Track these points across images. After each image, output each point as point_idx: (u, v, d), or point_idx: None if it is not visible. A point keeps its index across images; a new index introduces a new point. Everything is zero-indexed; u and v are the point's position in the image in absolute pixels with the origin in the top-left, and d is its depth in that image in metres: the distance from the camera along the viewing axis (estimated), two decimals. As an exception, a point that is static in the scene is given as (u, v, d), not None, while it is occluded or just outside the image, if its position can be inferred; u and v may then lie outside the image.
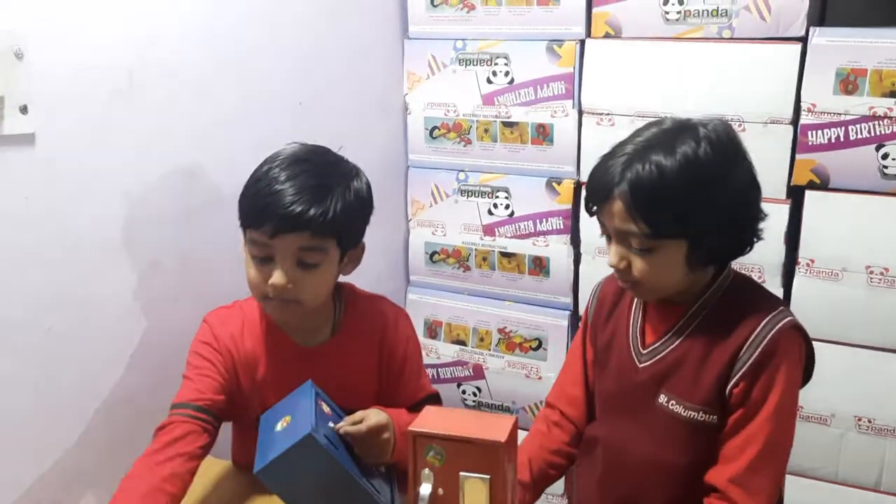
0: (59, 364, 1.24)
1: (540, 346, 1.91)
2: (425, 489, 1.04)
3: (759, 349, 1.08)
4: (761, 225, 1.12)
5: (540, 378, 1.91)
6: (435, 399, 1.32)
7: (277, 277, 1.11)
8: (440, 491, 1.05)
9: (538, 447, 1.30)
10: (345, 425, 1.12)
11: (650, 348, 1.17)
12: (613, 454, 1.21)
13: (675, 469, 1.14)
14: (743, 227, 1.10)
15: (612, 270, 1.16)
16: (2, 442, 1.18)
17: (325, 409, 1.14)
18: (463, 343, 2.00)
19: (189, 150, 1.41)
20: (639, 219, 1.05)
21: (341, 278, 1.24)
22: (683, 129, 1.08)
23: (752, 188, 1.10)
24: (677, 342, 1.14)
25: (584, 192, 1.15)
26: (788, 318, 1.10)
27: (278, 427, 1.09)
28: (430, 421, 1.08)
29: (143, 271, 1.36)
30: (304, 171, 1.12)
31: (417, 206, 2.01)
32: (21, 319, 1.18)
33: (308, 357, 1.23)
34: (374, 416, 1.14)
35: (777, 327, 1.09)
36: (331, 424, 1.12)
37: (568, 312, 1.89)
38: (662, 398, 1.15)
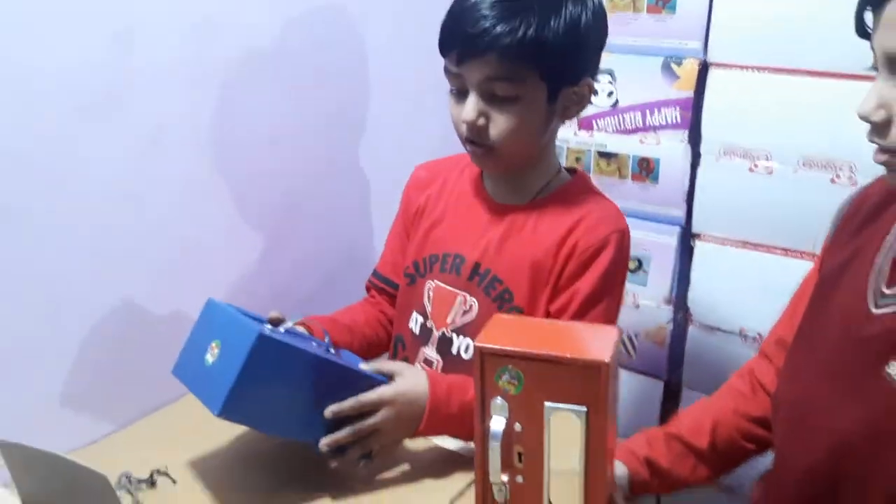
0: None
1: (640, 267, 1.57)
2: (497, 423, 0.74)
3: None
4: None
5: (638, 307, 1.57)
6: None
7: (464, 111, 1.00)
8: (517, 426, 0.75)
9: (732, 410, 0.97)
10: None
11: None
12: (798, 427, 0.85)
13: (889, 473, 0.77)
14: None
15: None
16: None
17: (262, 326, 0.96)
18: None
19: None
20: None
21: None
22: None
23: None
24: None
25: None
26: None
27: (209, 360, 0.87)
28: (503, 333, 0.77)
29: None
30: None
31: (499, 95, 1.67)
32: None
33: (492, 210, 1.12)
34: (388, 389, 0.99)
35: None
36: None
37: (678, 228, 1.53)
38: (893, 369, 0.76)
